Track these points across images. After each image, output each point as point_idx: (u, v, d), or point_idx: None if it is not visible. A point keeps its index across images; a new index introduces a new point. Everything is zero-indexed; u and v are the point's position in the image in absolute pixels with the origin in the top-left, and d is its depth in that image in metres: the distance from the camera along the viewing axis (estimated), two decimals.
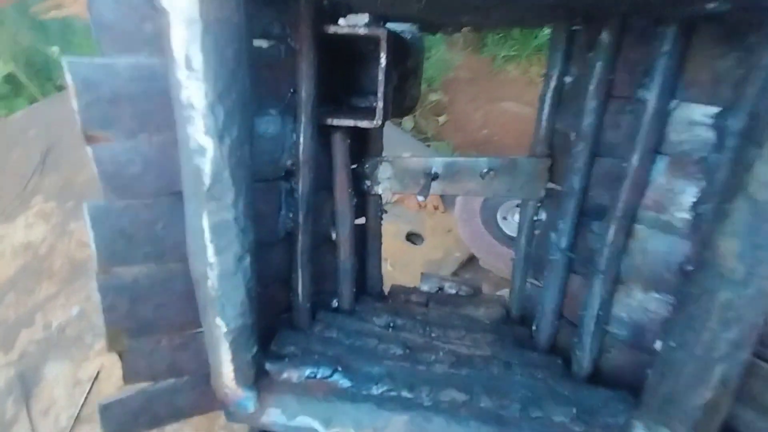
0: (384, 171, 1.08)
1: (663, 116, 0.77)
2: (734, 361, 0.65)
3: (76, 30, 2.03)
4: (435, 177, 1.06)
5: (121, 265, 0.76)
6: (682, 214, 0.77)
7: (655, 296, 0.84)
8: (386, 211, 1.17)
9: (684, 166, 0.77)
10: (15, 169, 0.70)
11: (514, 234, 2.44)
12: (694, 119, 0.75)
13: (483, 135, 2.53)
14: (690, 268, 0.74)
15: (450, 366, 0.94)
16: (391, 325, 1.08)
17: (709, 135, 0.74)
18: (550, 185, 1.05)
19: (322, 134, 0.96)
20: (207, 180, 0.67)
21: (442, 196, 2.36)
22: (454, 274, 2.46)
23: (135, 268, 0.78)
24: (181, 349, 0.87)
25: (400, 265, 2.14)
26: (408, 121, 2.71)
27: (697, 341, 0.66)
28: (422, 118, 2.86)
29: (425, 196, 1.00)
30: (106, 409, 0.81)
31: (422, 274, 1.32)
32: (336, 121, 0.91)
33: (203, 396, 0.91)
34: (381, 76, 0.86)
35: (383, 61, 0.85)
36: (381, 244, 1.20)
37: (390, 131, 1.22)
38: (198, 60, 0.60)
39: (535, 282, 1.11)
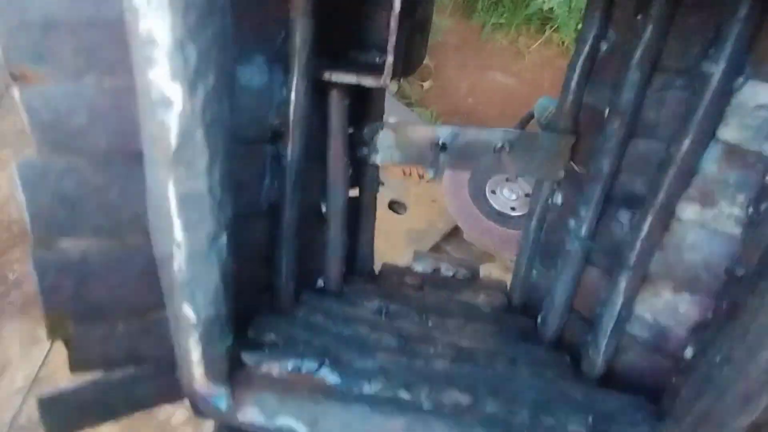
0: (385, 138, 0.95)
1: (726, 95, 0.66)
2: None
3: None
4: (443, 148, 0.93)
5: (65, 238, 0.62)
6: (734, 210, 0.67)
7: (688, 298, 0.75)
8: (383, 183, 1.04)
9: (743, 156, 0.66)
10: None
11: (502, 209, 2.37)
12: (762, 102, 0.64)
13: (468, 104, 2.44)
14: (742, 271, 0.65)
15: (451, 361, 0.84)
16: (384, 310, 0.98)
17: None
18: (571, 165, 0.93)
19: (317, 92, 0.81)
20: (174, 140, 0.53)
21: None
22: (436, 246, 2.38)
23: (83, 241, 0.64)
24: (143, 335, 0.75)
25: (380, 234, 2.06)
26: (392, 84, 2.56)
27: (750, 359, 0.57)
28: (406, 83, 2.71)
29: (436, 173, 0.87)
30: (47, 405, 0.69)
31: (415, 252, 1.21)
32: (335, 77, 0.77)
33: (168, 384, 0.79)
34: (394, 24, 0.71)
35: (397, 4, 0.70)
36: (375, 219, 1.08)
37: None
38: None
39: (543, 270, 1.02)
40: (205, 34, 0.49)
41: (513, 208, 2.22)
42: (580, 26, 0.96)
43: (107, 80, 0.55)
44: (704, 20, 0.68)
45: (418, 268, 1.19)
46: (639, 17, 0.75)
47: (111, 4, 0.51)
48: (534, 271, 1.04)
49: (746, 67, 0.65)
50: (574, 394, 0.80)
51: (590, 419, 0.74)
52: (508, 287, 1.11)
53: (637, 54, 0.75)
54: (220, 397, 0.74)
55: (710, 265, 0.71)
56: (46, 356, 0.79)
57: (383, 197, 2.26)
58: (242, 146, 0.74)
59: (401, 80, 2.73)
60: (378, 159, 0.97)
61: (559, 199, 0.97)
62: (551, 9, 2.39)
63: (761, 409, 0.58)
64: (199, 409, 0.74)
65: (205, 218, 0.60)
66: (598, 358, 0.85)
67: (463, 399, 0.76)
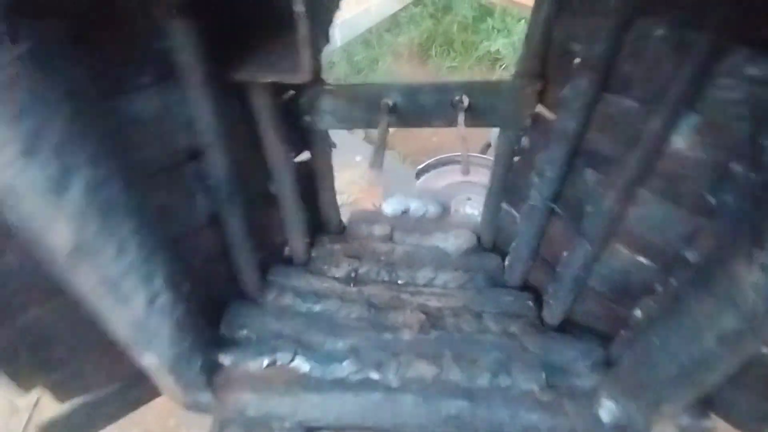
0: (327, 103, 0.83)
1: (711, 61, 0.55)
2: (719, 373, 0.60)
3: None
4: (393, 109, 0.82)
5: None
6: (699, 191, 0.62)
7: (644, 262, 0.75)
8: (335, 145, 0.95)
9: (718, 133, 0.58)
10: None
11: None
12: (752, 74, 0.54)
13: (433, 143, 2.34)
14: (695, 257, 0.63)
15: (419, 330, 0.88)
16: (353, 274, 0.99)
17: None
18: (539, 109, 0.83)
19: (230, 92, 0.68)
20: (67, 245, 0.47)
21: None
22: None
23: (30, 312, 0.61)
24: (117, 362, 0.77)
25: None
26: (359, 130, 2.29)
27: (685, 351, 0.60)
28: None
29: (376, 164, 0.77)
30: (47, 428, 0.75)
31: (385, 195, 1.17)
32: (248, 76, 0.63)
33: (153, 388, 0.84)
34: (301, 14, 0.56)
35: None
36: (333, 177, 1.01)
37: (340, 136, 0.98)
38: None
39: (511, 210, 0.99)
40: (46, 143, 0.39)
41: None
42: None
43: None
44: None
45: (388, 210, 1.16)
46: None
47: None
48: (503, 210, 1.02)
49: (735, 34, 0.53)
50: (534, 347, 0.86)
51: (544, 376, 0.81)
52: (478, 225, 1.10)
53: None
54: (203, 402, 0.79)
55: (668, 239, 0.69)
56: (24, 427, 0.81)
57: None
58: (159, 175, 0.65)
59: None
60: (322, 125, 0.86)
61: (526, 142, 0.89)
62: (497, 50, 2.77)
63: (690, 387, 0.63)
64: (188, 408, 0.81)
65: (136, 291, 0.56)
66: (558, 307, 0.89)
67: (429, 371, 0.82)
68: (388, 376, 0.81)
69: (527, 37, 0.77)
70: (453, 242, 1.08)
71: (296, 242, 0.98)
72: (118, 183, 0.49)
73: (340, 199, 1.08)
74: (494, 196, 1.00)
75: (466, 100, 0.81)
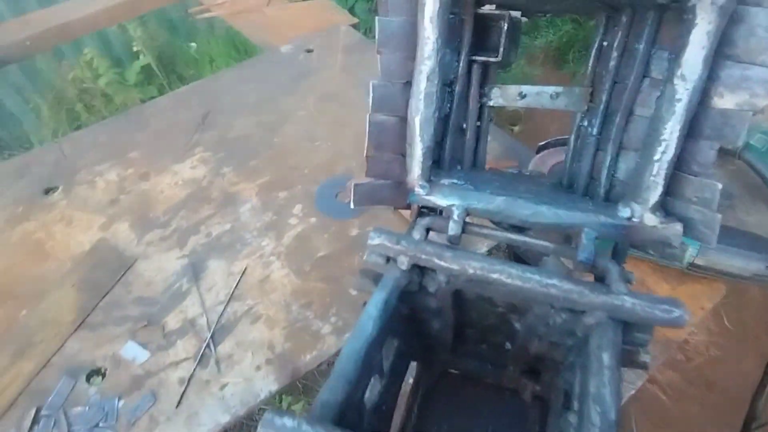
0: (495, 92, 1.81)
1: None
2: None
3: (207, 30, 2.34)
4: (523, 96, 1.76)
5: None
6: None
7: None
8: (492, 119, 1.90)
9: None
10: (182, 127, 1.07)
11: None
12: None
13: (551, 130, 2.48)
14: None
15: None
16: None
17: None
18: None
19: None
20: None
21: None
22: None
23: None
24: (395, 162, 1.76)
25: None
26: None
27: None
28: (498, 127, 2.90)
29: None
30: (356, 186, 1.66)
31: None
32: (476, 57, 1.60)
33: (398, 194, 1.67)
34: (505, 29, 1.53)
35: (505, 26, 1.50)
36: (488, 136, 1.95)
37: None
38: None
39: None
40: None
41: None
42: None
43: None
44: None
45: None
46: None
47: None
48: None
49: None
50: None
51: None
52: None
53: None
54: (424, 187, 1.64)
55: None
56: (236, 284, 0.81)
57: None
58: None
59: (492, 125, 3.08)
60: (492, 102, 1.83)
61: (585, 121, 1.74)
62: None
63: None
64: (414, 194, 1.73)
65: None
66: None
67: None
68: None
69: (588, 69, 1.64)
70: None
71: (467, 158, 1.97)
72: None
73: None
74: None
75: (556, 95, 1.73)
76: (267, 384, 0.66)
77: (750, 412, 0.97)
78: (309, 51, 1.26)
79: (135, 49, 2.16)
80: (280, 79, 1.21)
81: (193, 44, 2.37)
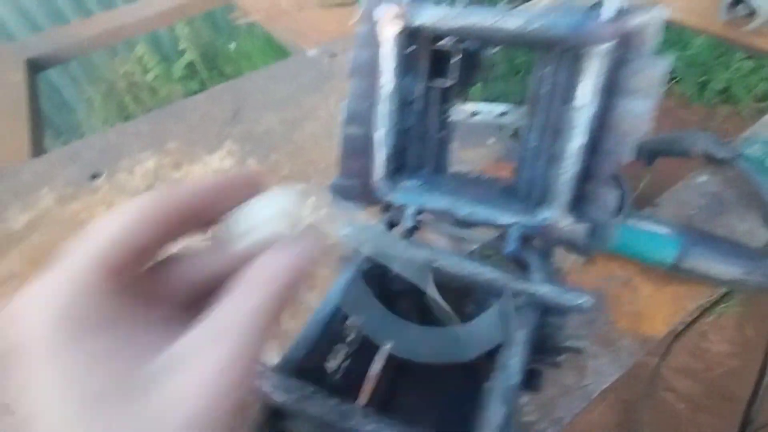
0: (453, 110, 1.84)
1: None
2: None
3: (247, 31, 2.44)
4: (475, 114, 1.80)
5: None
6: None
7: None
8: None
9: None
10: (215, 121, 1.15)
11: None
12: None
13: None
14: None
15: None
16: None
17: None
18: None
19: None
20: None
21: None
22: None
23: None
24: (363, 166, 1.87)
25: None
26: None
27: None
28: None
29: None
30: (332, 185, 1.82)
31: None
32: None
33: (366, 193, 1.83)
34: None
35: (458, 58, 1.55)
36: None
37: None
38: None
39: None
40: None
41: None
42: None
43: None
44: None
45: None
46: None
47: None
48: None
49: None
50: None
51: None
52: None
53: None
54: (385, 186, 1.79)
55: None
56: None
57: None
58: None
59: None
60: (450, 119, 1.87)
61: None
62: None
63: None
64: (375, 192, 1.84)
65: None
66: None
67: None
68: None
69: None
70: None
71: None
72: None
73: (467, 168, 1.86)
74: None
75: None
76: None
77: (745, 416, 0.96)
78: (333, 55, 1.36)
79: (181, 46, 2.32)
80: (305, 81, 1.31)
81: (233, 44, 2.54)
